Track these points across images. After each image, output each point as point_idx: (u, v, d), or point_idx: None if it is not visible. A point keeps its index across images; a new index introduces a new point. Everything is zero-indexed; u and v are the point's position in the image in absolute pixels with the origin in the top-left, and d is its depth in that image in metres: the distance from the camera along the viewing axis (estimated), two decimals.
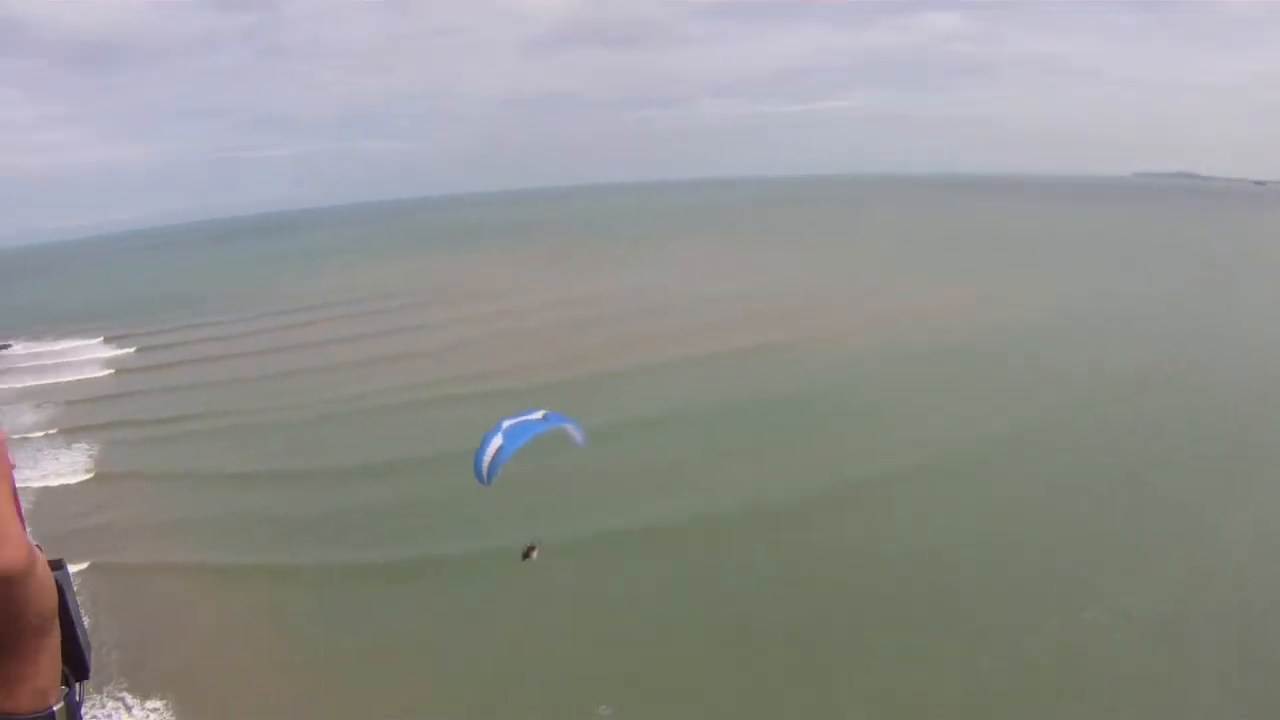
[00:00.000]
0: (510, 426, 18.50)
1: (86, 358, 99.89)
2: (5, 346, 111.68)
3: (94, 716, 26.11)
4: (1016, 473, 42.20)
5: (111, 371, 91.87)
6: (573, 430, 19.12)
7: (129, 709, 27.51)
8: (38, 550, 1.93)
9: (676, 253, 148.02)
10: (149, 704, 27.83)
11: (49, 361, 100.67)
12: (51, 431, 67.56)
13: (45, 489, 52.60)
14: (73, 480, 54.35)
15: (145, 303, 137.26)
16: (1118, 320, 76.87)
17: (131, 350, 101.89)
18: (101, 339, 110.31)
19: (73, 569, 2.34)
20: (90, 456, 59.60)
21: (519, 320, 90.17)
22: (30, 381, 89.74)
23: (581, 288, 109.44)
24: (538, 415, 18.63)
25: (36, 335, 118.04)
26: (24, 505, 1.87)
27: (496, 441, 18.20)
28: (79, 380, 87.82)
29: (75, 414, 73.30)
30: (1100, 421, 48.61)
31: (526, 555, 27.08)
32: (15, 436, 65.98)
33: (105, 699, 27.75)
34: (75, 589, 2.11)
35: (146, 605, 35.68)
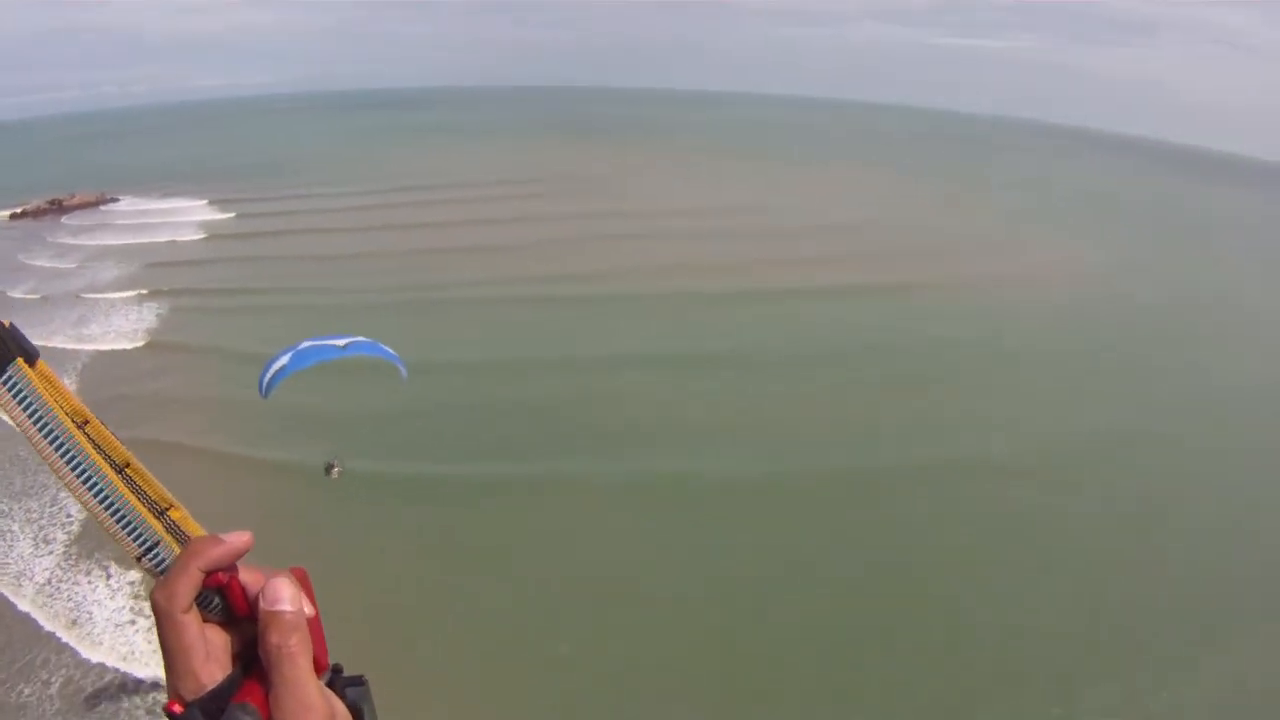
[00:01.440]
0: (305, 348, 20.31)
1: (185, 220, 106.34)
2: (114, 200, 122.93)
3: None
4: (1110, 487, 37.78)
5: (204, 236, 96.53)
6: (385, 360, 20.91)
7: None
8: (338, 702, 1.98)
9: (811, 173, 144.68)
10: None
11: (150, 220, 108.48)
12: (128, 293, 71.63)
13: (99, 352, 55.87)
14: (128, 346, 56.45)
15: (259, 168, 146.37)
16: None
17: (232, 215, 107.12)
18: (206, 201, 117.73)
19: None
20: (156, 320, 62.76)
21: (629, 224, 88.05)
22: (126, 239, 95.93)
23: (706, 197, 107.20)
24: (340, 342, 20.34)
25: (146, 191, 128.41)
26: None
27: (283, 360, 20.14)
28: (171, 242, 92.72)
29: (155, 276, 77.02)
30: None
31: (328, 472, 31.76)
32: (91, 295, 71.43)
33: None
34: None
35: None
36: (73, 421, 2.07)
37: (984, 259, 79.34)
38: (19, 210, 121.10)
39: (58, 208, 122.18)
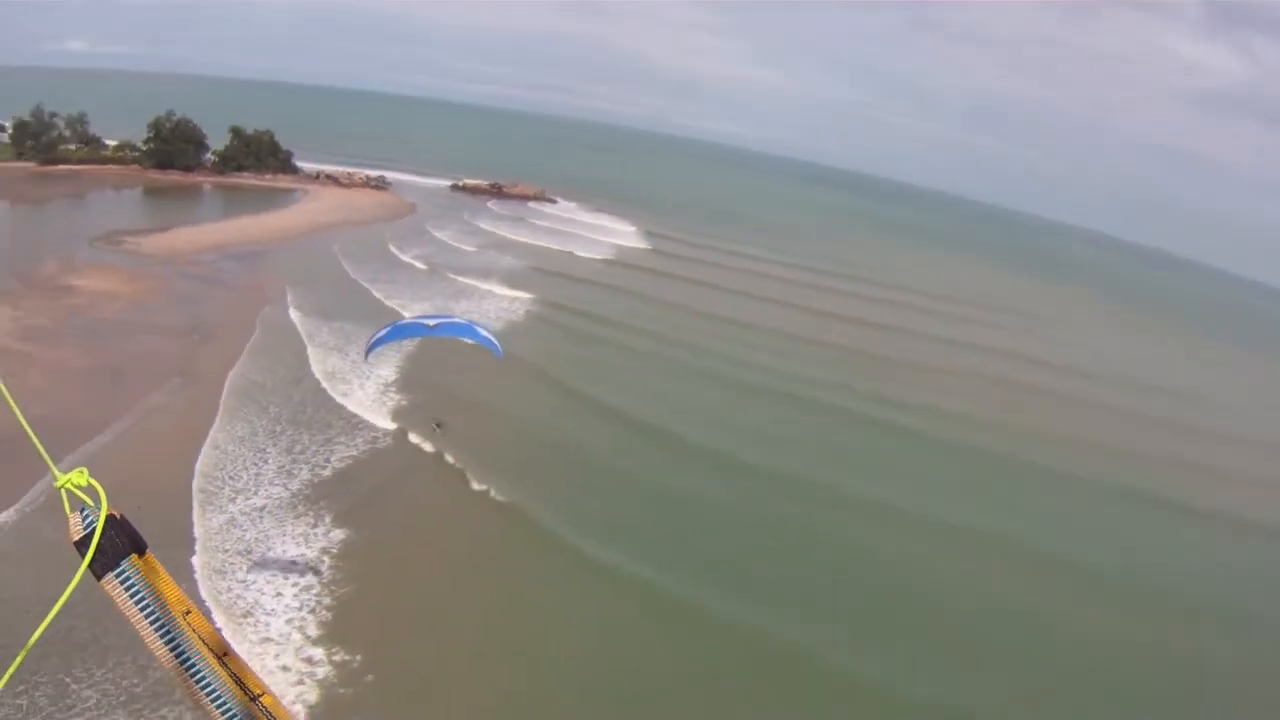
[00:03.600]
0: (403, 323, 34.17)
1: (602, 239, 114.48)
2: (551, 200, 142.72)
3: None
4: None
5: (611, 259, 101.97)
6: (478, 340, 29.60)
7: None
8: None
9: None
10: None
11: (568, 229, 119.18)
12: (503, 290, 76.28)
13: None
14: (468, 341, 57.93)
15: (702, 211, 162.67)
16: None
17: (649, 247, 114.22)
18: (634, 226, 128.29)
19: None
20: (511, 324, 66.20)
21: (1043, 374, 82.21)
22: (535, 239, 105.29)
23: (1136, 366, 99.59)
24: (430, 322, 32.01)
25: (585, 201, 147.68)
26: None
27: (383, 332, 29.86)
28: (571, 254, 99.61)
29: (540, 282, 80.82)
30: None
31: (437, 427, 40.25)
32: (465, 278, 75.79)
33: None
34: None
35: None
36: (179, 612, 2.66)
37: None
38: (461, 183, 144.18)
39: (496, 191, 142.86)
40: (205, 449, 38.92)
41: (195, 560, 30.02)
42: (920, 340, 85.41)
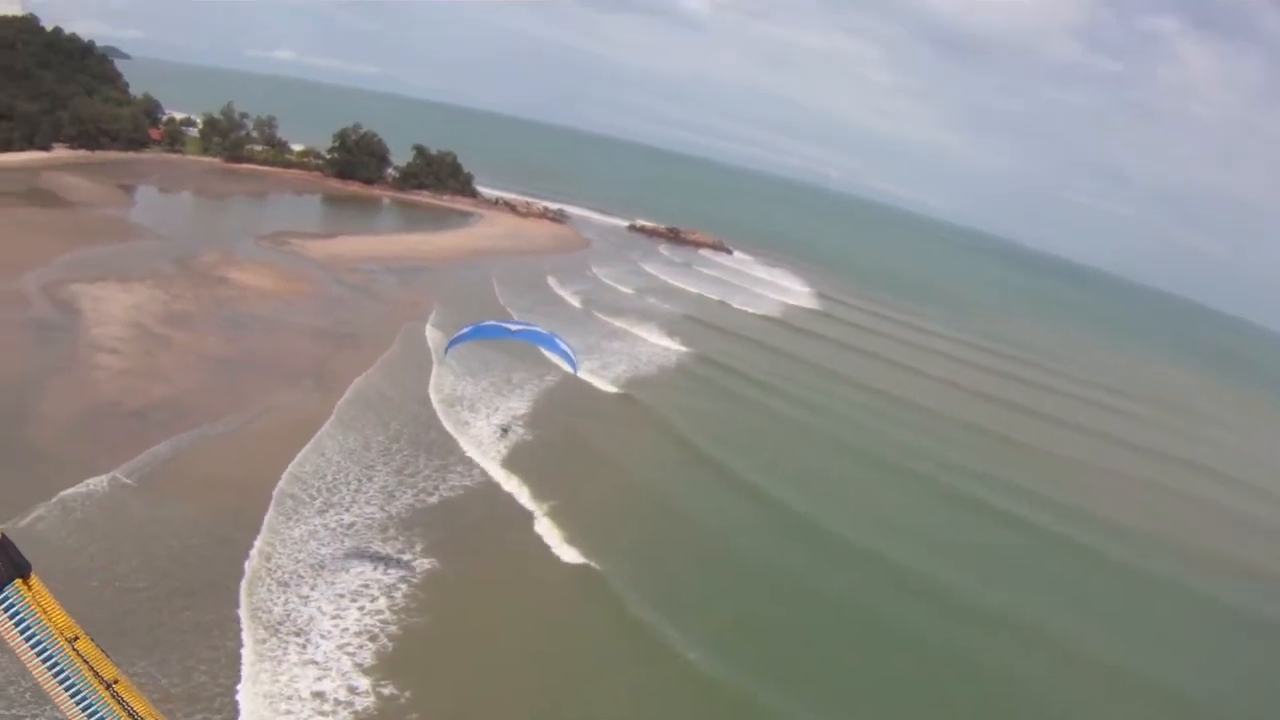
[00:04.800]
0: (485, 325, 35.61)
1: (769, 295, 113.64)
2: (726, 251, 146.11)
3: None
4: None
5: (773, 315, 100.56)
6: (556, 353, 31.89)
7: None
8: None
9: None
10: None
11: (736, 281, 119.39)
12: (655, 337, 76.11)
13: (574, 376, 57.46)
14: (604, 385, 60.89)
15: (874, 275, 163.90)
16: None
17: (817, 307, 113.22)
18: (806, 285, 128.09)
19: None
20: (652, 373, 65.80)
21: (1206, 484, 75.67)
22: (700, 288, 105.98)
23: None
24: (513, 327, 36.28)
25: (761, 254, 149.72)
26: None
27: (464, 331, 33.35)
28: (724, 305, 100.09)
29: (692, 332, 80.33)
30: None
31: (504, 433, 45.18)
32: (616, 321, 76.17)
33: None
34: None
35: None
36: (65, 639, 2.66)
37: None
38: (638, 224, 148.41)
39: (673, 236, 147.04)
40: (310, 456, 39.38)
41: (248, 565, 29.86)
42: (1092, 438, 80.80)
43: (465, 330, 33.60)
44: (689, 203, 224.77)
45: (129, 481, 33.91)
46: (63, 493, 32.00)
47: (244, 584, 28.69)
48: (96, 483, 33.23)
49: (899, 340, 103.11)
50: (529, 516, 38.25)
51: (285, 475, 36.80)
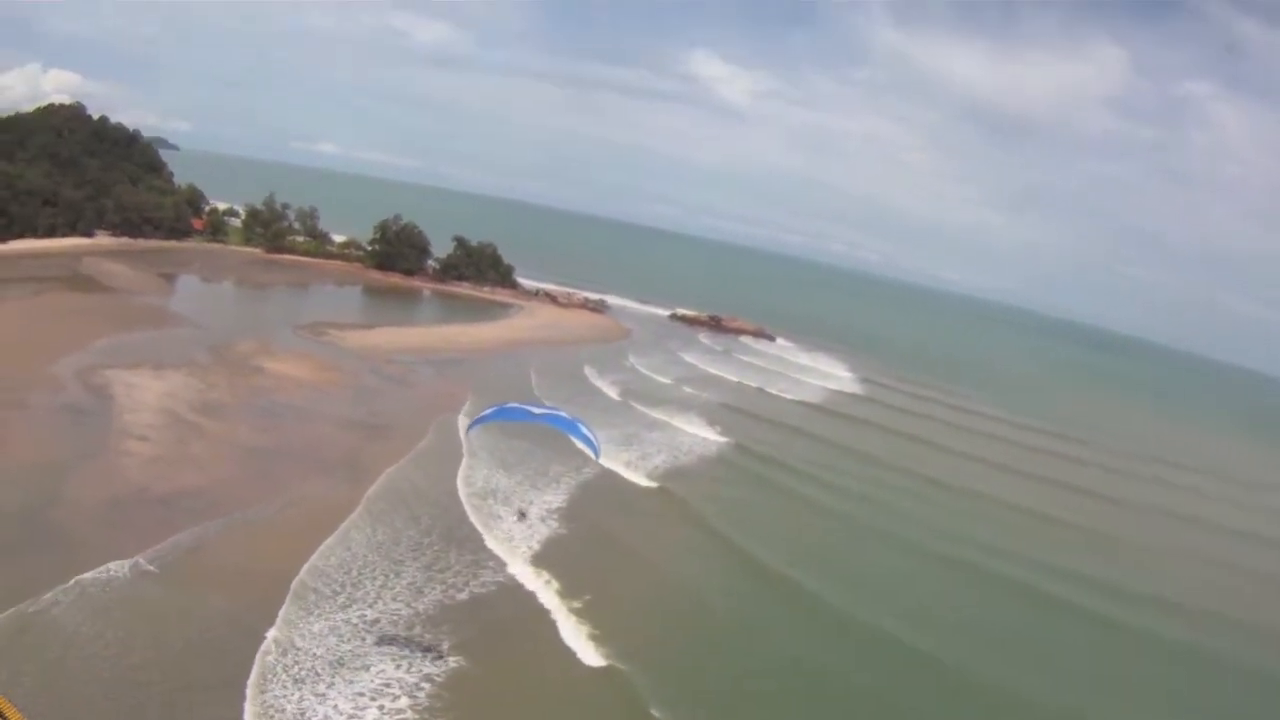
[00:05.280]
0: (510, 407, 36.35)
1: (816, 382, 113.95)
2: (768, 338, 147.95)
3: None
4: None
5: (814, 401, 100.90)
6: (578, 438, 32.17)
7: None
8: None
9: None
10: None
11: (777, 368, 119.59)
12: (694, 426, 75.73)
13: (609, 471, 58.10)
14: (640, 479, 60.20)
15: (923, 359, 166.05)
16: None
17: (860, 391, 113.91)
18: (848, 370, 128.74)
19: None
20: (687, 464, 64.93)
21: None
22: (740, 376, 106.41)
23: None
24: (536, 410, 35.86)
25: (803, 339, 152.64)
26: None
27: (488, 411, 35.00)
28: (762, 391, 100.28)
29: (733, 421, 79.95)
30: None
31: (522, 517, 46.49)
32: (653, 411, 75.93)
33: None
34: None
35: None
36: None
37: None
38: (679, 313, 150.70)
39: (714, 324, 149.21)
40: (336, 549, 39.27)
41: (264, 660, 29.56)
42: (1151, 515, 79.96)
43: (488, 411, 34.99)
44: (731, 290, 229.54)
45: (151, 568, 34.01)
46: (81, 576, 32.25)
47: (255, 679, 28.29)
48: (117, 567, 33.47)
49: (943, 422, 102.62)
50: (558, 615, 37.54)
51: (308, 568, 36.69)
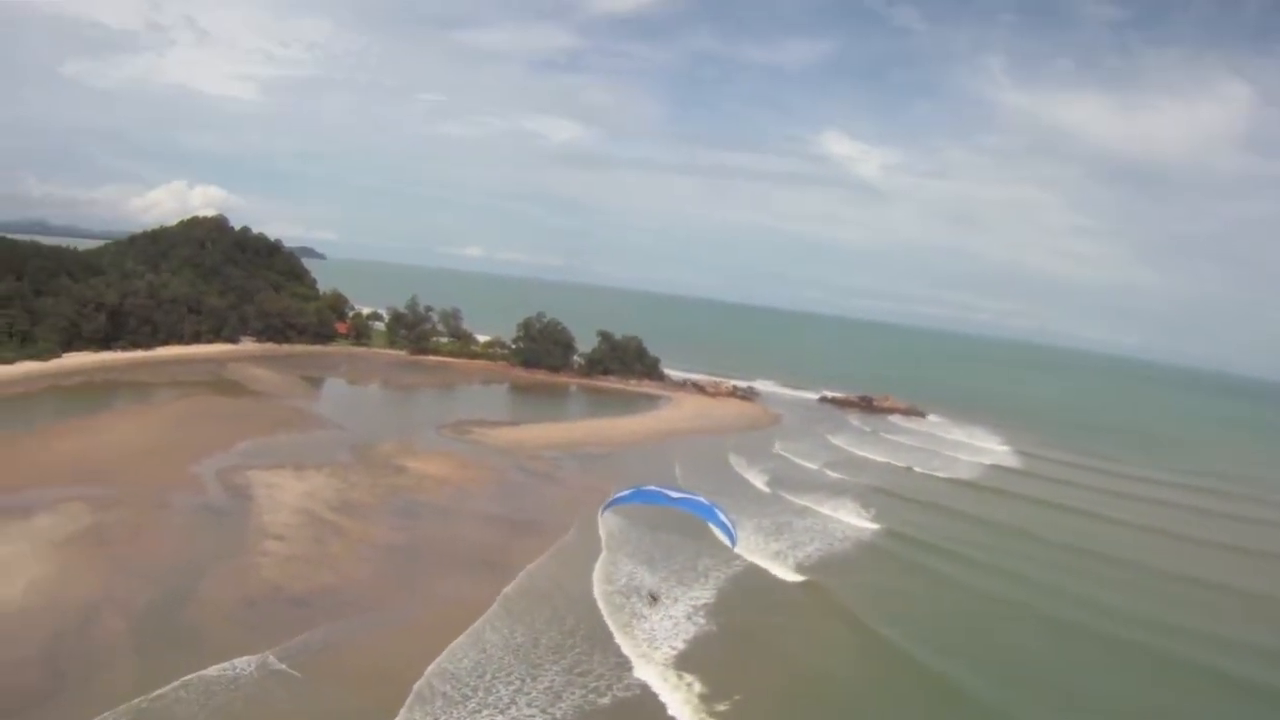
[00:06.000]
0: (648, 490, 38.56)
1: (971, 458, 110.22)
2: (919, 415, 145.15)
3: None
4: None
5: (973, 479, 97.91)
6: (715, 528, 34.15)
7: None
8: None
9: None
10: None
11: (933, 445, 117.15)
12: (848, 516, 73.42)
13: (752, 565, 56.34)
14: (783, 573, 58.16)
15: (1086, 427, 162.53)
16: None
17: (1018, 465, 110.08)
18: (1003, 442, 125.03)
19: None
20: (840, 559, 62.40)
21: None
22: (895, 458, 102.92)
23: None
24: (674, 494, 36.73)
25: (956, 414, 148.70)
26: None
27: (625, 492, 37.33)
28: (926, 475, 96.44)
29: (887, 508, 77.49)
30: None
31: (653, 601, 46.42)
32: (808, 502, 73.33)
33: None
34: None
35: None
36: None
37: None
38: (829, 396, 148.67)
39: (866, 404, 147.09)
40: (468, 649, 38.51)
41: None
42: None
43: (625, 493, 36.45)
44: (880, 369, 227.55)
45: (280, 666, 33.93)
46: (204, 671, 32.79)
47: None
48: (244, 663, 33.82)
49: (1102, 490, 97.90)
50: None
51: (436, 669, 36.12)
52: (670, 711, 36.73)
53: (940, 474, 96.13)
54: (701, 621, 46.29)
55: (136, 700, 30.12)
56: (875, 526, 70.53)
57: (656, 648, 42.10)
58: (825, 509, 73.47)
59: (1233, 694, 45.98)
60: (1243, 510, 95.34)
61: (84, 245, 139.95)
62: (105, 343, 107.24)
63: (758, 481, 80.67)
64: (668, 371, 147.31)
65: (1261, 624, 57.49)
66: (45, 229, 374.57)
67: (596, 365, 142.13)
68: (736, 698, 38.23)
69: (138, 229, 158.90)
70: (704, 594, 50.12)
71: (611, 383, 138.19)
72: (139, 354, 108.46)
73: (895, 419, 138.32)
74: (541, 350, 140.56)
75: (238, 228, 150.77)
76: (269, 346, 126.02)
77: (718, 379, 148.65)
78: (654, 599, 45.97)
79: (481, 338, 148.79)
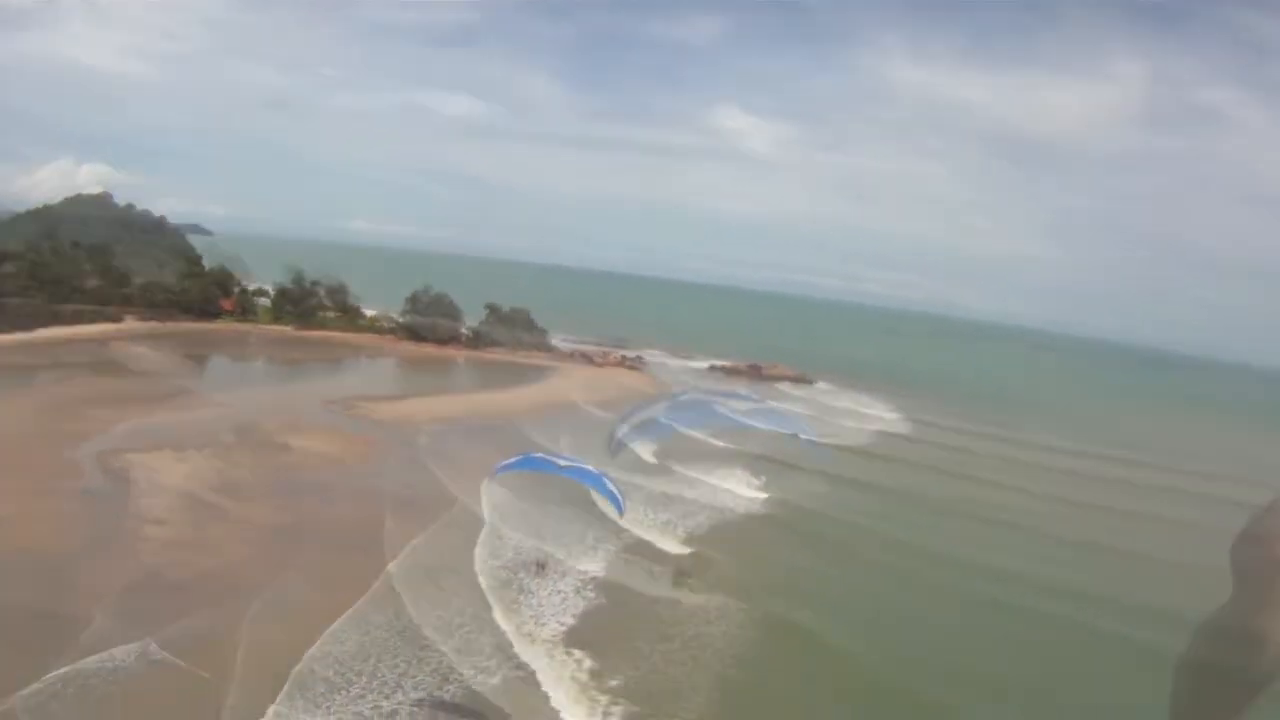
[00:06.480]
0: (535, 457, 38.75)
1: (859, 425, 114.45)
2: (809, 382, 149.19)
3: None
4: None
5: (859, 445, 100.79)
6: (603, 496, 34.33)
7: None
8: None
9: None
10: None
11: (824, 414, 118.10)
12: (739, 486, 75.31)
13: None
14: (669, 546, 58.90)
15: (978, 393, 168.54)
16: None
17: (907, 433, 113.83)
18: (897, 413, 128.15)
19: None
20: (705, 532, 62.55)
21: None
22: (781, 427, 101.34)
23: None
24: (561, 462, 36.61)
25: (845, 382, 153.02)
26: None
27: (514, 459, 36.56)
28: (821, 445, 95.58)
29: (776, 475, 79.32)
30: None
31: (540, 569, 46.90)
32: (687, 470, 74.66)
33: None
34: None
35: None
36: None
37: None
38: (719, 364, 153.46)
39: (755, 372, 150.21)
40: (350, 631, 38.78)
41: None
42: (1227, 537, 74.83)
43: (513, 460, 36.55)
44: (770, 339, 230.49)
45: (161, 654, 33.97)
46: (81, 663, 32.65)
47: None
48: (123, 653, 33.77)
49: (1000, 458, 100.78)
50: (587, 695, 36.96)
51: (318, 652, 36.43)
52: (561, 688, 37.08)
53: (828, 440, 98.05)
54: (591, 595, 47.14)
55: (5, 700, 29.64)
56: (764, 495, 72.31)
57: (543, 624, 42.78)
58: (713, 479, 74.90)
59: (1134, 656, 46.54)
60: (1145, 477, 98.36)
61: None
62: None
63: (644, 452, 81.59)
64: (557, 343, 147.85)
65: (1164, 589, 58.43)
66: None
67: (484, 337, 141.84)
68: (630, 673, 39.05)
69: (23, 209, 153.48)
70: (593, 566, 50.99)
71: (499, 355, 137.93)
72: (19, 336, 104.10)
73: (784, 386, 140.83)
74: (429, 324, 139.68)
75: (123, 204, 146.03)
76: (153, 325, 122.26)
77: (606, 349, 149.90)
78: (541, 568, 46.60)
79: (369, 311, 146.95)
